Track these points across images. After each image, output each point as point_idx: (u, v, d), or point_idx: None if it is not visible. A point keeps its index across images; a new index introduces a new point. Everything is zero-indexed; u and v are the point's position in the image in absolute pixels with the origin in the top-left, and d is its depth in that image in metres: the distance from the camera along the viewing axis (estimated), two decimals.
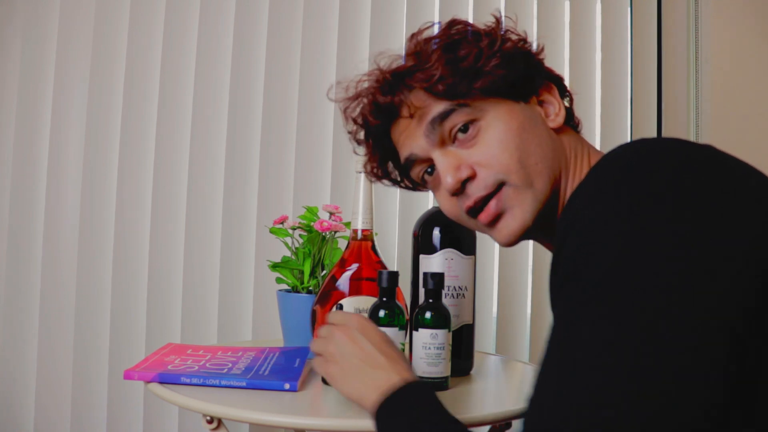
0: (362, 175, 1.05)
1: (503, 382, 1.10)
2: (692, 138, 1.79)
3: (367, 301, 1.00)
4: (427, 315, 0.92)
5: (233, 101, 1.54)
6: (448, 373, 0.93)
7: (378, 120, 0.76)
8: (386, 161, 0.83)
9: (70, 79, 1.50)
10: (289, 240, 1.23)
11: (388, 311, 0.92)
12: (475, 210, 0.71)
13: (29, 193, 1.48)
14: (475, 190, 0.70)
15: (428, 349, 0.91)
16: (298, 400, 0.87)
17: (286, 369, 0.96)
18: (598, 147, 0.90)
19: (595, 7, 1.80)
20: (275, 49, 1.56)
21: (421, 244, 1.06)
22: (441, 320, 0.91)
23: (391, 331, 0.91)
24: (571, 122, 0.77)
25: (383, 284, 0.93)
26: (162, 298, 1.50)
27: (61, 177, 1.49)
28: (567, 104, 0.77)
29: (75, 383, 1.46)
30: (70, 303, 1.47)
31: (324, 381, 0.95)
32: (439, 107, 0.71)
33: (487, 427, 1.00)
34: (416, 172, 0.77)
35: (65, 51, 1.50)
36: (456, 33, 0.72)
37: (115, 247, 1.49)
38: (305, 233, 1.20)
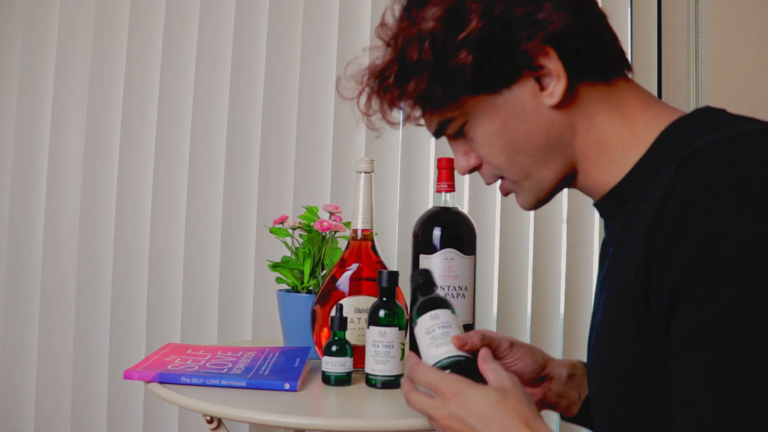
0: (362, 175, 1.05)
1: None
2: None
3: (367, 301, 1.00)
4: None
5: (233, 101, 1.54)
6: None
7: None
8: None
9: (70, 79, 1.50)
10: (289, 240, 1.23)
11: (388, 311, 0.92)
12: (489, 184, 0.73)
13: (29, 193, 1.48)
14: (483, 177, 0.71)
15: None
16: (298, 400, 0.87)
17: (286, 369, 0.96)
18: None
19: None
20: (275, 49, 1.56)
21: (421, 244, 1.06)
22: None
23: (391, 331, 0.91)
24: (591, 72, 0.64)
25: (383, 284, 0.93)
26: (162, 298, 1.50)
27: (61, 177, 1.49)
28: (579, 55, 0.63)
29: (75, 383, 1.46)
30: (70, 303, 1.47)
31: (324, 381, 0.95)
32: (431, 124, 0.70)
33: None
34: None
35: (65, 51, 1.50)
36: (403, 37, 0.64)
37: (115, 247, 1.49)
38: (305, 233, 1.20)
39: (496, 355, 0.75)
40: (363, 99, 0.72)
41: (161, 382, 0.91)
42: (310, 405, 0.88)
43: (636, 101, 0.64)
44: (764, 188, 0.48)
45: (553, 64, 0.61)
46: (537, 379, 0.79)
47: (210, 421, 0.85)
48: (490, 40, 0.61)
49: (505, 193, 0.72)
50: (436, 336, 0.72)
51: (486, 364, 0.67)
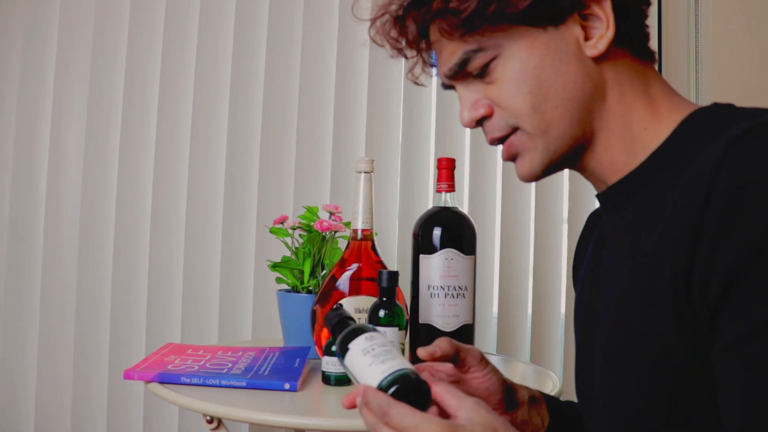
0: (362, 175, 1.05)
1: None
2: None
3: (367, 301, 1.00)
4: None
5: (233, 101, 1.54)
6: None
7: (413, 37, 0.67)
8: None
9: (70, 79, 1.50)
10: (289, 240, 1.23)
11: (388, 311, 0.92)
12: (493, 143, 0.66)
13: (29, 192, 1.48)
14: (489, 131, 0.64)
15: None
16: (298, 400, 0.87)
17: (286, 369, 0.96)
18: None
19: None
20: (275, 49, 1.56)
21: (421, 244, 1.06)
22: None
23: (391, 331, 0.91)
24: (631, 42, 0.62)
25: (383, 284, 0.93)
26: (162, 298, 1.50)
27: (61, 177, 1.49)
28: (627, 18, 0.61)
29: (75, 383, 1.46)
30: (70, 303, 1.47)
31: (324, 381, 0.95)
32: (453, 55, 0.63)
33: None
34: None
35: (65, 51, 1.50)
36: None
37: (115, 246, 1.49)
38: (305, 233, 1.20)
39: (467, 365, 0.67)
40: (383, 20, 0.68)
41: (161, 382, 0.91)
42: (310, 405, 0.88)
43: (660, 87, 0.63)
44: None
45: (606, 12, 0.60)
46: (507, 407, 0.70)
47: (210, 421, 0.85)
48: None
49: (510, 155, 0.65)
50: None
51: (440, 386, 0.56)
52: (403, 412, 0.53)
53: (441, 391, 0.55)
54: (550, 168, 0.64)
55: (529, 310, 1.67)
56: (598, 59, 0.60)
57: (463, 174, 1.62)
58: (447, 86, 0.68)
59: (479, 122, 0.64)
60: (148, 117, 1.52)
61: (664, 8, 1.81)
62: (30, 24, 1.49)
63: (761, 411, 0.46)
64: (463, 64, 0.62)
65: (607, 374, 0.61)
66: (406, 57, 0.70)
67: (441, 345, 0.65)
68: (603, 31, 0.60)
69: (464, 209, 1.46)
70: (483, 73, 0.62)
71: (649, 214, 0.57)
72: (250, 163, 1.55)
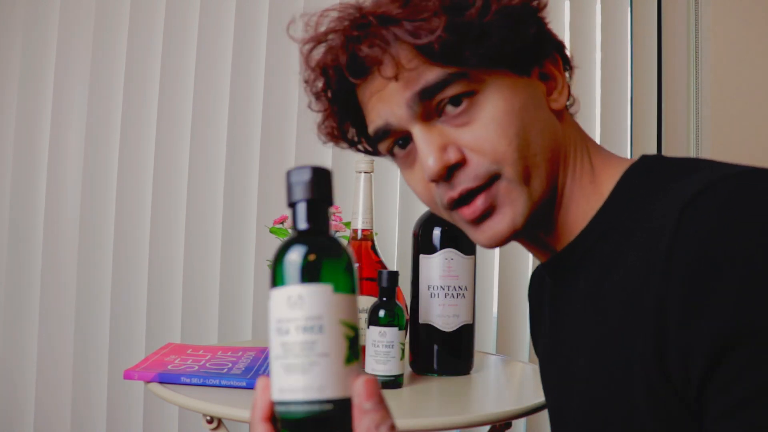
0: (362, 175, 1.05)
1: (503, 382, 1.10)
2: (692, 138, 1.79)
3: (367, 301, 1.00)
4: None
5: (233, 101, 1.54)
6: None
7: (348, 73, 0.58)
8: (347, 121, 0.66)
9: (70, 79, 1.50)
10: None
11: (388, 311, 0.92)
12: (458, 202, 0.58)
13: (29, 192, 1.48)
14: (463, 180, 0.57)
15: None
16: None
17: None
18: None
19: (595, 7, 1.80)
20: (275, 49, 1.56)
21: (421, 244, 1.06)
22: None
23: (391, 331, 0.91)
24: (571, 105, 0.64)
25: (383, 284, 0.93)
26: (162, 298, 1.50)
27: (61, 177, 1.49)
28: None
29: (75, 383, 1.46)
30: (70, 303, 1.47)
31: None
32: (431, 75, 0.56)
33: (487, 427, 1.00)
34: (386, 145, 0.62)
35: (65, 51, 1.50)
36: None
37: (115, 246, 1.49)
38: None
39: None
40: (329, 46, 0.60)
41: (161, 382, 0.91)
42: None
43: (596, 149, 0.63)
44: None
45: (560, 71, 0.62)
46: None
47: (210, 421, 0.85)
48: (542, 28, 0.60)
49: (487, 207, 0.57)
50: (379, 352, 0.69)
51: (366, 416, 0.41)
52: None
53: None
54: (529, 222, 0.58)
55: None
56: (559, 114, 0.61)
57: None
58: (382, 146, 0.62)
59: (449, 171, 0.56)
60: (148, 117, 1.52)
61: (664, 8, 1.81)
62: (30, 24, 1.49)
63: None
64: (442, 85, 0.56)
65: None
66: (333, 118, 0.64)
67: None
68: (560, 88, 0.61)
69: None
70: (456, 103, 0.56)
71: (601, 286, 0.56)
72: (250, 163, 1.55)
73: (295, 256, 0.40)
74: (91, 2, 1.50)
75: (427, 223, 1.07)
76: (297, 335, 0.39)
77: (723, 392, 0.45)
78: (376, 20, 0.56)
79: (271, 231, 1.24)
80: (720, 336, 0.44)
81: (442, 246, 1.04)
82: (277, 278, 0.41)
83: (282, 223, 1.23)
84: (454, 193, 0.57)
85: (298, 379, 0.38)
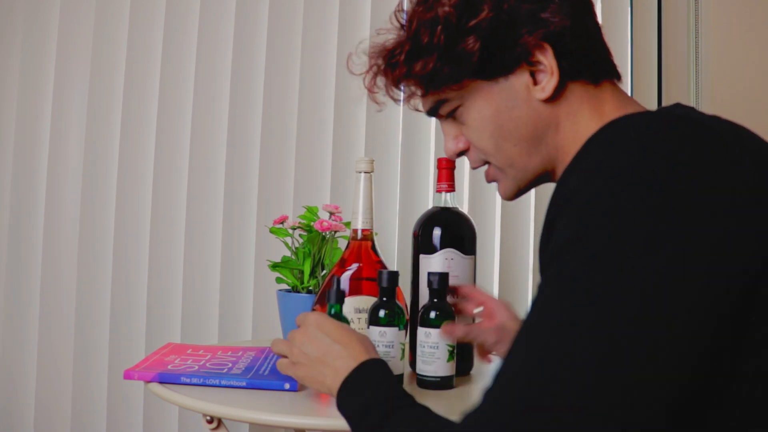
0: (362, 175, 1.05)
1: None
2: None
3: (367, 301, 1.00)
4: (432, 314, 0.92)
5: (233, 101, 1.54)
6: (446, 372, 0.93)
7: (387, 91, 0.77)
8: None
9: (70, 79, 1.50)
10: (289, 240, 1.23)
11: (388, 311, 0.92)
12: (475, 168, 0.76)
13: (29, 192, 1.48)
14: (470, 162, 0.75)
15: (423, 348, 0.92)
16: (298, 400, 0.87)
17: None
18: None
19: (595, 7, 1.80)
20: (275, 49, 1.56)
21: (421, 244, 1.06)
22: (440, 318, 0.92)
23: (391, 331, 0.91)
24: (579, 75, 0.67)
25: (383, 284, 0.93)
26: (162, 298, 1.50)
27: (61, 177, 1.49)
28: (572, 58, 0.66)
29: (75, 383, 1.46)
30: (70, 303, 1.47)
31: None
32: (426, 102, 0.74)
33: None
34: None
35: (65, 51, 1.50)
36: (417, 20, 0.68)
37: (115, 247, 1.49)
38: (305, 233, 1.20)
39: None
40: (369, 76, 0.76)
41: (161, 382, 0.91)
42: (310, 405, 0.88)
43: (613, 102, 0.68)
44: (625, 158, 0.50)
45: (548, 60, 0.65)
46: None
47: (210, 421, 0.85)
48: (497, 31, 0.65)
49: (490, 179, 0.75)
50: (424, 353, 0.93)
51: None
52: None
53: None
54: (523, 190, 0.74)
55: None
56: (550, 99, 0.66)
57: (463, 174, 1.62)
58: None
59: (461, 153, 0.75)
60: (148, 117, 1.52)
61: (664, 8, 1.81)
62: (30, 24, 1.49)
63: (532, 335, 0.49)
64: (435, 109, 0.73)
65: None
66: (395, 99, 0.78)
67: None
68: (549, 76, 0.66)
69: (464, 209, 1.46)
70: (453, 116, 0.72)
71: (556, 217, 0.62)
72: (250, 163, 1.55)
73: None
74: (91, 2, 1.50)
75: (427, 223, 1.07)
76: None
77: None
78: (383, 72, 0.74)
79: (271, 231, 1.24)
80: (552, 251, 0.51)
81: (442, 246, 1.04)
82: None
83: (282, 223, 1.23)
84: (471, 166, 0.76)
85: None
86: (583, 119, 0.67)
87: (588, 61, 0.68)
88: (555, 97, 0.67)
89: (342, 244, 1.21)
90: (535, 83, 0.66)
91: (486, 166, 0.74)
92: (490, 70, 0.67)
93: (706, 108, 1.78)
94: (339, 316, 0.91)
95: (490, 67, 0.66)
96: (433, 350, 0.92)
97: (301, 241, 1.21)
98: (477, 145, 0.71)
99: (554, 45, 0.65)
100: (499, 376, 0.49)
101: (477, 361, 1.03)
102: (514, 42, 0.65)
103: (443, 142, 0.76)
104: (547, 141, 0.68)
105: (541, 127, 0.68)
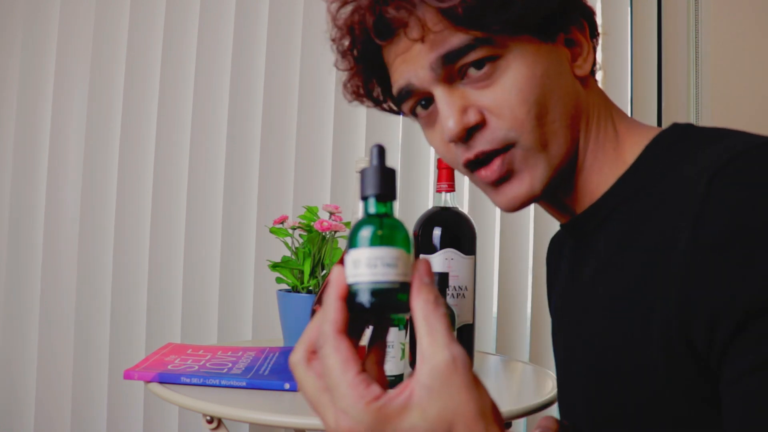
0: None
1: (503, 382, 1.10)
2: None
3: None
4: None
5: (233, 101, 1.54)
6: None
7: (374, 34, 0.60)
8: (372, 79, 0.68)
9: (70, 79, 1.50)
10: (289, 240, 1.23)
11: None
12: (475, 163, 0.59)
13: (29, 193, 1.48)
14: (480, 143, 0.57)
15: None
16: (298, 400, 0.87)
17: (286, 369, 0.96)
18: None
19: (595, 7, 1.80)
20: (275, 49, 1.56)
21: (421, 244, 1.06)
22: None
23: (392, 331, 0.91)
24: (597, 71, 0.64)
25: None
26: (162, 298, 1.50)
27: (61, 177, 1.49)
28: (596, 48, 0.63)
29: (75, 383, 1.46)
30: (70, 303, 1.47)
31: None
32: (455, 39, 0.56)
33: None
34: (409, 105, 0.62)
35: (65, 51, 1.50)
36: None
37: (115, 247, 1.49)
38: (305, 233, 1.20)
39: None
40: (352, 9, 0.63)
41: (161, 382, 0.91)
42: None
43: (620, 115, 0.64)
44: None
45: (586, 37, 0.61)
46: None
47: (210, 421, 0.85)
48: None
49: (504, 172, 0.58)
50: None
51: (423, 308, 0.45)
52: (331, 363, 0.45)
53: (421, 315, 0.45)
54: (548, 187, 0.59)
55: (529, 310, 1.67)
56: (583, 81, 0.61)
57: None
58: (405, 107, 0.63)
59: (468, 132, 0.57)
60: (148, 117, 1.52)
61: (664, 8, 1.81)
62: (30, 24, 1.49)
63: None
64: (466, 50, 0.56)
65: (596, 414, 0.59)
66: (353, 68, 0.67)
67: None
68: (585, 54, 0.61)
69: (464, 209, 1.46)
70: (479, 66, 0.56)
71: (624, 245, 0.56)
72: (250, 163, 1.55)
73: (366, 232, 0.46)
74: (91, 2, 1.50)
75: (427, 223, 1.07)
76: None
77: (739, 357, 0.45)
78: None
79: (271, 231, 1.23)
80: (750, 303, 0.44)
81: (442, 246, 1.04)
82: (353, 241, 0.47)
83: (282, 223, 1.23)
84: (470, 154, 0.58)
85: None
86: (603, 120, 0.62)
87: (595, 57, 0.63)
88: (584, 82, 0.61)
89: (342, 244, 1.21)
90: (574, 59, 0.60)
91: (492, 161, 0.58)
92: (544, 29, 0.57)
93: (706, 108, 1.78)
94: (388, 223, 0.47)
95: (548, 24, 0.58)
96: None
97: (301, 241, 1.21)
98: (513, 113, 0.56)
99: (590, 28, 0.62)
100: None
101: (476, 359, 1.03)
102: (568, 8, 0.60)
103: (442, 121, 0.58)
104: (579, 128, 0.60)
105: (580, 108, 0.60)
